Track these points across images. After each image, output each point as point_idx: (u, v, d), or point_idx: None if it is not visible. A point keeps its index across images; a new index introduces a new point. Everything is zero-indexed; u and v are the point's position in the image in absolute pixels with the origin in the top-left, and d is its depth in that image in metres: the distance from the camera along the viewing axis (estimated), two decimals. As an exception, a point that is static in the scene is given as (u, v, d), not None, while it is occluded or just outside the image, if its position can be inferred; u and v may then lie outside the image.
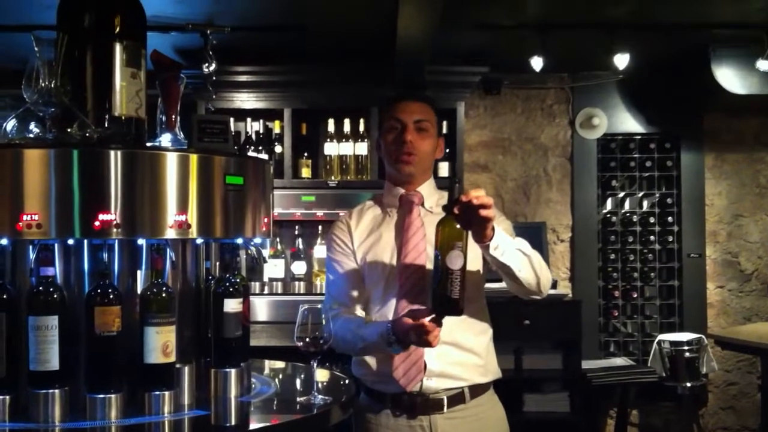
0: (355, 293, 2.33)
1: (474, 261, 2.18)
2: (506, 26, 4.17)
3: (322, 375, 2.36)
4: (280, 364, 2.61)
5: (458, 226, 1.97)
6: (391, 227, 2.34)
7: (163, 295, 1.85)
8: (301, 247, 4.62)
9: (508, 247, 2.10)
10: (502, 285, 2.27)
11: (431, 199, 2.37)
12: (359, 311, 2.33)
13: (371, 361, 2.30)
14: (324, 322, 2.06)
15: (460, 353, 2.25)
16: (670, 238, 5.26)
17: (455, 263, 1.96)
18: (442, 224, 2.00)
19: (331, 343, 2.13)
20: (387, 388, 2.26)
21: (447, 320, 2.09)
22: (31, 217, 1.75)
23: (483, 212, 1.96)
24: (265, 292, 4.47)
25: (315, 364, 2.10)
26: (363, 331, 2.19)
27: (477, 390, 2.28)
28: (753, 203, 5.32)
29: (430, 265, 2.21)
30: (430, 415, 2.24)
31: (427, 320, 2.02)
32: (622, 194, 5.31)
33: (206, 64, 3.94)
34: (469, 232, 2.01)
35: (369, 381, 2.33)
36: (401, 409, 2.26)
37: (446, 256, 1.96)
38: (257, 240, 2.16)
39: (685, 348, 4.67)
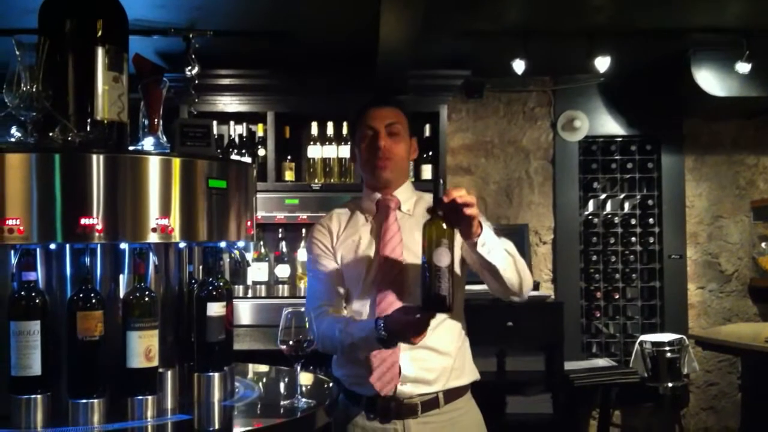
0: (339, 292, 2.35)
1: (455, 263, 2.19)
2: (488, 32, 4.18)
3: (305, 378, 2.36)
4: (263, 368, 2.61)
5: (444, 225, 1.98)
6: (368, 232, 2.36)
7: (146, 299, 1.85)
8: (284, 250, 4.62)
9: (495, 246, 2.12)
10: (484, 287, 2.29)
11: (408, 202, 2.39)
12: (344, 310, 2.34)
13: (350, 361, 2.30)
14: (307, 323, 2.06)
15: (436, 357, 2.26)
16: (651, 240, 5.30)
17: (442, 260, 1.96)
18: (428, 225, 2.00)
19: (316, 341, 2.12)
20: (363, 390, 2.27)
21: None
22: (13, 222, 1.74)
23: (467, 210, 1.98)
24: (249, 295, 4.47)
25: (299, 368, 2.10)
26: (351, 329, 2.19)
27: (452, 394, 2.29)
28: (733, 205, 5.37)
29: (409, 269, 2.23)
30: (404, 419, 2.25)
31: (417, 317, 2.03)
32: (603, 196, 5.34)
33: (189, 68, 3.93)
34: (456, 232, 2.02)
35: (347, 382, 2.34)
36: (375, 412, 2.27)
37: (433, 254, 1.97)
38: (240, 243, 2.16)
39: (667, 349, 4.70)
